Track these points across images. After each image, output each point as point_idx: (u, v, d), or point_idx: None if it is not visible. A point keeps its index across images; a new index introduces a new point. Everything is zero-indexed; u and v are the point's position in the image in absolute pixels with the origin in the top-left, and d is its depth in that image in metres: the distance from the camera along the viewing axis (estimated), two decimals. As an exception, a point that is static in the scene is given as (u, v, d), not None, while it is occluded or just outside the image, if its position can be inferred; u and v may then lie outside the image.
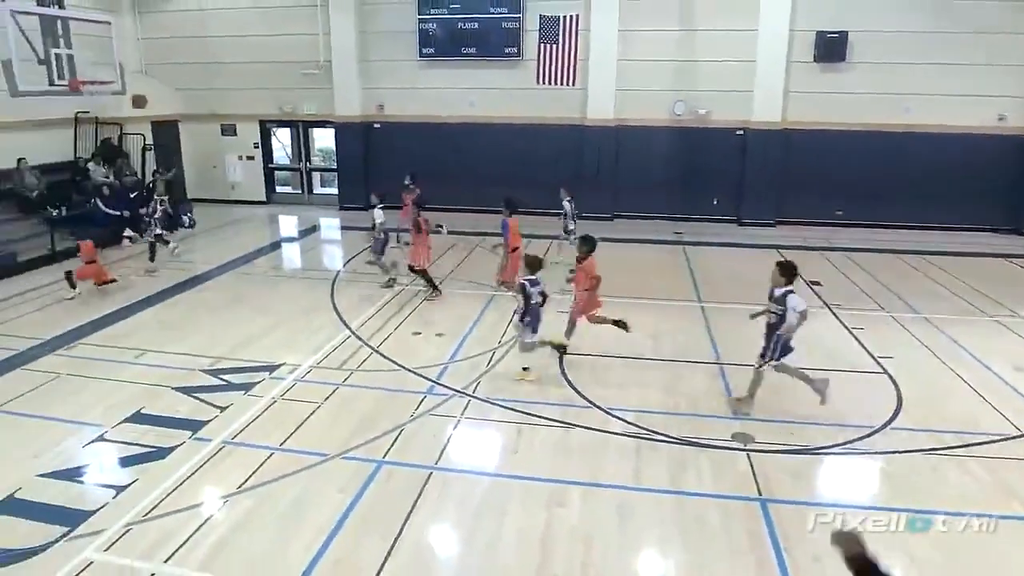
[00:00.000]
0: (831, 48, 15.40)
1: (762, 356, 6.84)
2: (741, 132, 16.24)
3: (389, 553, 4.91)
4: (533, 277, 7.68)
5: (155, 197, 12.66)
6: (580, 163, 16.91)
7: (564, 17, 16.24)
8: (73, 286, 10.61)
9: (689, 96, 16.23)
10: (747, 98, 15.93)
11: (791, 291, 6.65)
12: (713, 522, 5.26)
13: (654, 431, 6.62)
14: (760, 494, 5.62)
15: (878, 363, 8.33)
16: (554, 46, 16.49)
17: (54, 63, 11.32)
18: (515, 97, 16.99)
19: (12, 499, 5.54)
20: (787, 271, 6.69)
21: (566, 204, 12.50)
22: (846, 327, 9.59)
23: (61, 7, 11.70)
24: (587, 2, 16.08)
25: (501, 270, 11.21)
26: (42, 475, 5.88)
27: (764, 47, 15.59)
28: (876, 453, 6.30)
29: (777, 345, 6.70)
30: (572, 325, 8.46)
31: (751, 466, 6.02)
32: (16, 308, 10.40)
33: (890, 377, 7.91)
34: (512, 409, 7.07)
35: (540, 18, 16.40)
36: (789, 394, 7.15)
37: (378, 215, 11.27)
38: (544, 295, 7.74)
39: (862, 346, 8.91)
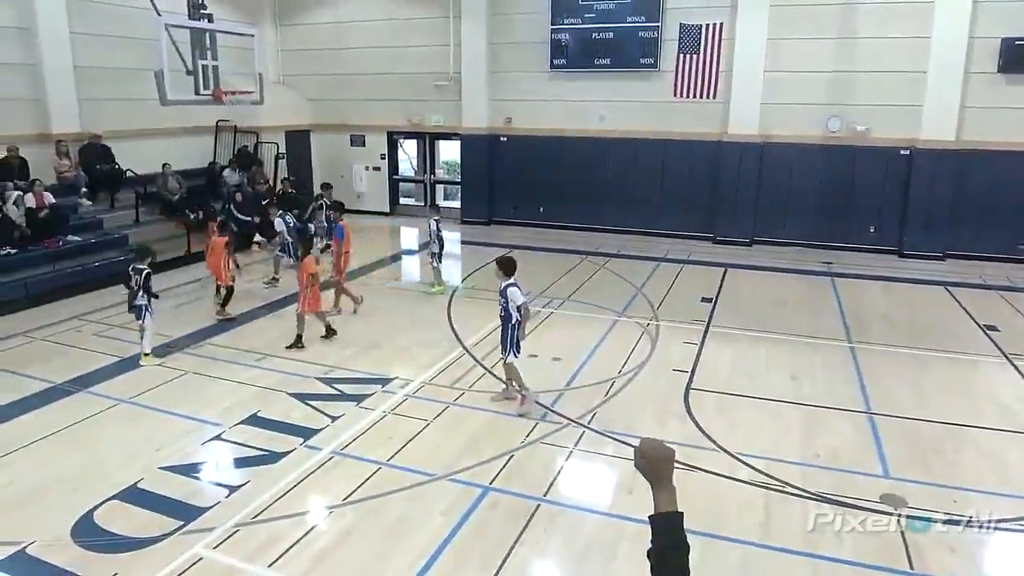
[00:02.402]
0: (1020, 57, 14.13)
1: (503, 350, 7.63)
2: (906, 151, 15.20)
3: (489, 585, 4.94)
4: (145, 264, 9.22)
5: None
6: (717, 182, 16.49)
7: (707, 26, 15.94)
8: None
9: (846, 111, 15.41)
10: (915, 113, 14.90)
11: (512, 284, 7.48)
12: (853, 593, 4.90)
13: (787, 483, 6.26)
14: (911, 568, 5.16)
15: (1068, 426, 7.47)
16: (694, 56, 16.22)
17: (200, 74, 12.48)
18: (649, 110, 16.83)
19: (135, 488, 6.11)
20: (505, 266, 7.62)
21: (433, 223, 12.27)
22: (1028, 381, 8.69)
23: (210, 21, 12.88)
24: (733, 10, 15.71)
25: (336, 271, 11.49)
26: (163, 468, 6.45)
27: (938, 56, 14.52)
28: (1061, 533, 5.63)
29: (515, 338, 7.46)
30: (300, 319, 9.60)
31: (902, 534, 5.55)
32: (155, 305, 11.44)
33: (1083, 444, 7.06)
34: (629, 444, 6.91)
35: (680, 27, 16.16)
36: (954, 455, 6.54)
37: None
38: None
39: (1048, 405, 8.02)
